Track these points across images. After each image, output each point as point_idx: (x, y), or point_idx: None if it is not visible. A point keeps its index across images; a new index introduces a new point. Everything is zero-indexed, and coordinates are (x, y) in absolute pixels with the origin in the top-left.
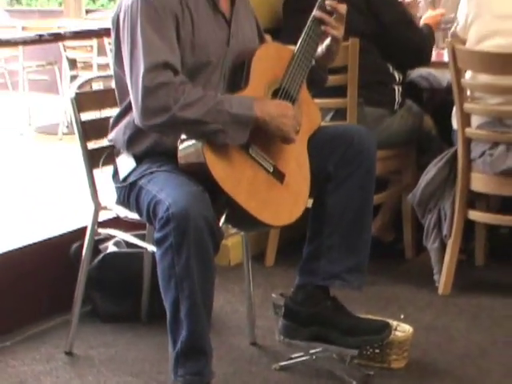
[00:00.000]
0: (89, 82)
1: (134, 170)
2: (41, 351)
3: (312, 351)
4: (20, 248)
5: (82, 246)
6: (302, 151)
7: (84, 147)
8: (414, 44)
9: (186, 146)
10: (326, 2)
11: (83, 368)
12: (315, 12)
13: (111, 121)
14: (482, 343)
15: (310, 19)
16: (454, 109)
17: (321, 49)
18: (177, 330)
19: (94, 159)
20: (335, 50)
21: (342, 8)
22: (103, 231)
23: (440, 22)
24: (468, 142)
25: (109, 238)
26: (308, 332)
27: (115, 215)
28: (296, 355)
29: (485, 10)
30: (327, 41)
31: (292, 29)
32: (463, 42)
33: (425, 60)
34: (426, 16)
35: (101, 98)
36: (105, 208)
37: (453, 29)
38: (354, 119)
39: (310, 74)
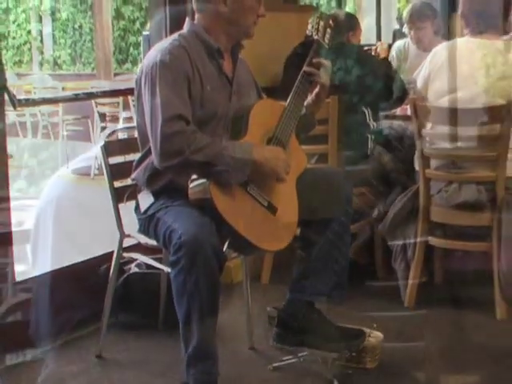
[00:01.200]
0: (115, 132)
1: (152, 204)
2: (76, 354)
3: (300, 354)
4: (58, 269)
5: (109, 267)
6: (292, 189)
7: (111, 185)
8: (400, 87)
9: (196, 184)
10: (313, 61)
11: (111, 369)
12: (305, 68)
13: (134, 163)
14: (440, 348)
15: (301, 74)
16: (416, 153)
17: (311, 97)
18: (188, 337)
19: (119, 195)
20: (323, 96)
21: (327, 63)
22: (127, 255)
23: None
24: (428, 180)
25: (132, 260)
26: (297, 339)
27: (137, 242)
28: (287, 358)
29: (445, 70)
30: (316, 89)
31: (288, 84)
32: (425, 98)
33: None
34: (379, 50)
35: (125, 146)
36: (128, 236)
37: (417, 87)
38: (334, 162)
39: (302, 120)
